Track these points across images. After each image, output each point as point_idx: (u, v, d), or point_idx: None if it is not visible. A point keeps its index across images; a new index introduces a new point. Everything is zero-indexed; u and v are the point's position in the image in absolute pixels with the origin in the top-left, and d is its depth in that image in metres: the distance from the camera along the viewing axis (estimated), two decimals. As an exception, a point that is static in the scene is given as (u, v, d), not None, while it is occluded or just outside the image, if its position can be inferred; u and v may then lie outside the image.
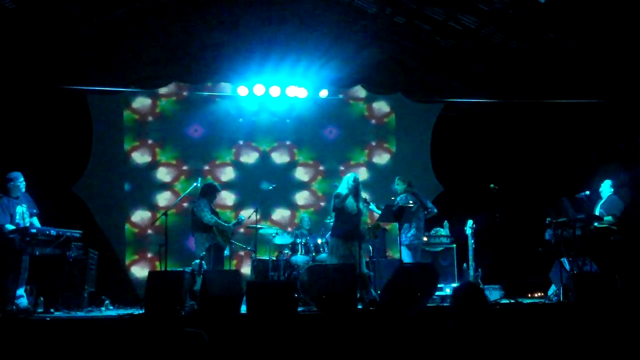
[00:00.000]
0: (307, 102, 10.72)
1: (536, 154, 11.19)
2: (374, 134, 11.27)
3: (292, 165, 10.95)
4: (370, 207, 7.78)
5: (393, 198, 8.31)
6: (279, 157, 10.91)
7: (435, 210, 8.33)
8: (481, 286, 8.02)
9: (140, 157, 10.46)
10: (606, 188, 7.99)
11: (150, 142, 10.55)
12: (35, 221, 7.00)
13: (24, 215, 6.87)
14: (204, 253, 7.76)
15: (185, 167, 10.56)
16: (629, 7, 7.98)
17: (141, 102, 10.58)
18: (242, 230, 9.58)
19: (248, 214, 8.53)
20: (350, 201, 7.35)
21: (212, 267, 7.65)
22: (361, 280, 7.11)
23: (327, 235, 8.73)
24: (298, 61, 10.28)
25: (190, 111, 10.73)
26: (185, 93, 10.68)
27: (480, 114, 11.36)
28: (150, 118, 10.61)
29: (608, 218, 7.65)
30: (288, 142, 10.95)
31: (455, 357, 3.08)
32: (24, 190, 6.95)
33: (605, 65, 9.40)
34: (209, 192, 8.11)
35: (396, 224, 7.78)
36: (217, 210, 8.35)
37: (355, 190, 7.38)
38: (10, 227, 6.60)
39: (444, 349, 3.19)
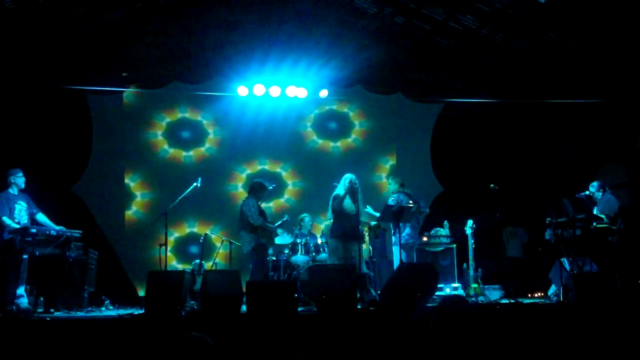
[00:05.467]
0: (307, 102, 10.71)
1: (536, 154, 11.18)
2: (373, 134, 11.25)
3: (291, 165, 10.94)
4: (366, 209, 7.72)
5: (393, 199, 8.29)
6: (279, 157, 10.90)
7: (427, 210, 8.33)
8: (481, 286, 8.04)
9: (139, 157, 10.46)
10: (595, 190, 7.91)
11: (150, 142, 10.54)
12: (41, 216, 7.10)
13: (22, 212, 6.91)
14: (249, 249, 7.73)
15: (184, 168, 10.53)
16: (629, 7, 7.98)
17: (140, 102, 10.58)
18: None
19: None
20: (348, 202, 7.40)
21: (256, 268, 7.64)
22: (361, 280, 7.11)
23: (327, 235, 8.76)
24: (298, 61, 10.27)
25: (189, 111, 10.70)
26: (185, 93, 10.66)
27: (481, 113, 11.36)
28: (149, 118, 10.59)
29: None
30: (288, 140, 10.93)
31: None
32: (23, 186, 6.99)
33: (606, 65, 9.40)
34: (258, 190, 8.02)
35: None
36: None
37: (352, 191, 7.39)
38: (8, 220, 6.65)
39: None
